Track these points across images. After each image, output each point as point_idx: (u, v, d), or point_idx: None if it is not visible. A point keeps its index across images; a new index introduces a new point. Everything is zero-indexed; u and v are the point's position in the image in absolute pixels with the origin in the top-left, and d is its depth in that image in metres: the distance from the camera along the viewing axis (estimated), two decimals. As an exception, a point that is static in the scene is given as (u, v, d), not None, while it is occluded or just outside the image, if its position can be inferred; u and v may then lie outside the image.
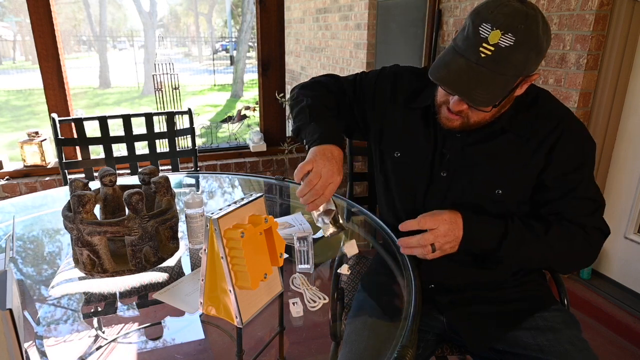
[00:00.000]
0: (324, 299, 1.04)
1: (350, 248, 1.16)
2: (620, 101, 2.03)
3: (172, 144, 2.07)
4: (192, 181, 1.88)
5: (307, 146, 1.01)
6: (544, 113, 1.00)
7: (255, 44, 3.20)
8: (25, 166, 2.61)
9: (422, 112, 1.09)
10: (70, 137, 2.35)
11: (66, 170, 1.92)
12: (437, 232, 0.92)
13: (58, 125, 1.87)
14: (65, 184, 1.91)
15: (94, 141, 1.92)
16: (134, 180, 1.26)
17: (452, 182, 1.04)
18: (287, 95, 3.10)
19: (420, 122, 1.09)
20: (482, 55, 0.84)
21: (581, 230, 0.98)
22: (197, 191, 1.80)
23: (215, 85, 14.30)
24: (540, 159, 0.98)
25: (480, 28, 0.84)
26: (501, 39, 0.82)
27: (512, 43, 0.82)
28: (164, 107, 6.22)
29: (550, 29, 0.89)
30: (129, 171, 2.04)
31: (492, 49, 0.83)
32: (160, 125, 2.10)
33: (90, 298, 1.05)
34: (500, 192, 1.00)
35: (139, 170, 1.19)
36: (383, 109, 1.14)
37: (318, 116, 1.06)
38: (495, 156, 1.01)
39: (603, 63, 1.98)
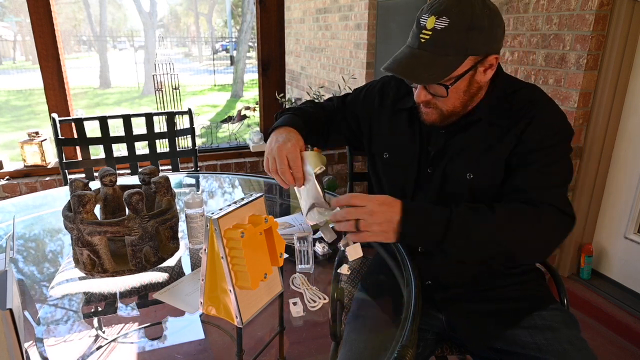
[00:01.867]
0: (324, 298, 1.04)
1: (354, 251, 1.17)
2: (620, 101, 2.03)
3: (172, 144, 2.07)
4: (192, 181, 1.89)
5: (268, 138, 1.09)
6: (520, 101, 1.00)
7: (256, 44, 3.20)
8: (25, 166, 2.62)
9: (408, 113, 1.12)
10: (70, 137, 2.35)
11: (66, 170, 1.92)
12: (364, 209, 0.86)
13: (58, 125, 1.87)
14: (66, 184, 1.91)
15: (94, 141, 1.92)
16: (134, 180, 1.26)
17: (438, 177, 1.06)
18: (287, 95, 3.10)
19: (406, 123, 1.12)
20: (422, 40, 0.92)
21: (530, 206, 0.91)
22: (197, 191, 1.81)
23: (215, 85, 14.30)
24: (510, 141, 0.98)
25: (420, 19, 0.93)
26: (436, 22, 0.89)
27: (446, 25, 0.89)
28: (164, 107, 6.22)
29: (495, 9, 0.92)
30: (129, 171, 2.04)
31: (430, 33, 0.90)
32: (160, 126, 2.10)
33: (90, 298, 1.05)
34: (470, 175, 1.01)
35: (139, 170, 1.20)
36: (372, 114, 1.19)
37: (281, 115, 1.16)
38: (469, 143, 1.02)
39: (603, 63, 1.98)
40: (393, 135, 1.14)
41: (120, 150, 2.13)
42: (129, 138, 1.96)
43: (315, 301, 1.03)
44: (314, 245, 1.14)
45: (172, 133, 2.06)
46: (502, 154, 0.99)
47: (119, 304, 1.04)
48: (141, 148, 2.06)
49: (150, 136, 2.01)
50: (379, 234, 0.87)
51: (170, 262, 1.14)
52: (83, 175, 2.03)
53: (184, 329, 0.98)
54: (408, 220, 0.87)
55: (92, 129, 1.88)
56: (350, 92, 1.29)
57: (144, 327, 0.97)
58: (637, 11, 1.90)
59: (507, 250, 0.91)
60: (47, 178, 2.58)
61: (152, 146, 2.03)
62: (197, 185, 1.85)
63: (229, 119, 7.42)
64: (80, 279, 1.07)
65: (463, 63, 0.91)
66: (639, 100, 1.99)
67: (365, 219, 0.86)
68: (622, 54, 1.95)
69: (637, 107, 2.00)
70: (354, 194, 0.90)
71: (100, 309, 1.05)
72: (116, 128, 1.92)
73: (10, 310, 0.69)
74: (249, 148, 3.07)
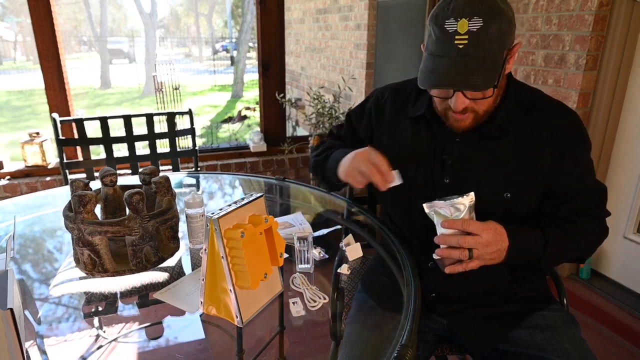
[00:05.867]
0: (324, 298, 1.04)
1: (354, 251, 1.17)
2: (619, 101, 2.03)
3: (172, 144, 2.08)
4: (193, 181, 1.89)
5: (338, 175, 1.10)
6: (541, 113, 1.00)
7: (256, 45, 3.20)
8: (26, 166, 2.62)
9: (414, 122, 1.10)
10: (71, 137, 2.36)
11: (67, 170, 1.93)
12: (479, 239, 0.90)
13: (59, 125, 1.88)
14: (66, 184, 1.91)
15: (95, 141, 1.92)
16: (135, 180, 1.26)
17: (457, 189, 1.00)
18: (288, 96, 3.10)
19: (413, 133, 1.10)
20: (460, 46, 0.86)
21: (597, 221, 1.05)
22: (198, 191, 1.81)
23: (215, 85, 14.30)
24: (544, 159, 0.98)
25: (445, 26, 0.87)
26: (470, 25, 0.85)
27: (481, 24, 0.85)
28: (164, 108, 6.23)
29: (507, 1, 0.93)
30: (129, 171, 2.05)
31: (467, 37, 0.86)
32: (160, 126, 2.10)
33: (90, 298, 1.05)
34: (508, 195, 0.99)
35: (140, 170, 1.20)
36: (373, 131, 1.19)
37: (328, 156, 1.18)
38: (500, 158, 1.00)
39: (602, 63, 1.98)
40: (397, 147, 1.11)
41: (120, 150, 2.13)
42: (130, 138, 1.96)
43: (315, 301, 1.03)
44: (339, 268, 1.14)
45: (173, 133, 2.06)
46: (540, 175, 0.99)
47: (120, 304, 1.04)
48: (141, 148, 2.06)
49: (151, 136, 2.02)
50: (487, 261, 0.93)
51: (171, 262, 1.14)
52: (84, 175, 2.03)
53: (185, 329, 0.98)
54: (513, 249, 0.94)
55: (93, 129, 1.89)
56: (347, 114, 1.29)
57: (145, 327, 0.98)
58: (637, 11, 1.90)
59: (579, 258, 1.07)
60: (48, 178, 2.58)
61: (152, 146, 2.03)
62: (198, 185, 1.85)
63: (230, 119, 7.42)
64: (81, 278, 1.08)
65: (503, 56, 0.90)
66: (638, 100, 1.99)
67: (479, 250, 0.91)
68: (621, 54, 1.95)
69: (637, 107, 2.00)
70: (467, 220, 0.92)
71: (100, 308, 1.05)
72: (117, 128, 1.92)
73: (11, 309, 0.69)
74: (249, 148, 3.08)
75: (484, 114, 0.98)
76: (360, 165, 1.01)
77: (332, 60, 4.80)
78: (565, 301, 1.15)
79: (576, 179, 1.01)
